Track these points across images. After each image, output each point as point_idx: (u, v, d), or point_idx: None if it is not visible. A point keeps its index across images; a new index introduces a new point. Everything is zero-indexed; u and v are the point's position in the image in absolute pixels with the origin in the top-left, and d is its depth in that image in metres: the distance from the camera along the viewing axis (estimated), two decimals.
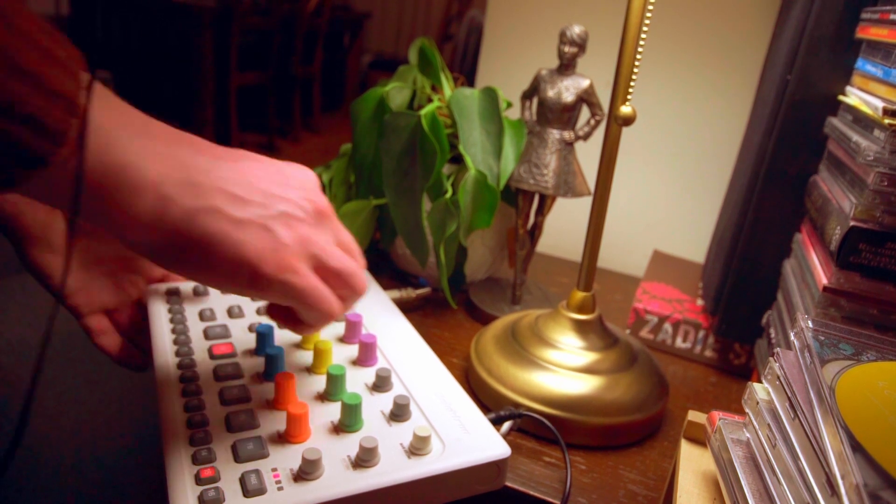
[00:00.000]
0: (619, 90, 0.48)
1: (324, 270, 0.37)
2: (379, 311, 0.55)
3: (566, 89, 0.60)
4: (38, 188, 0.29)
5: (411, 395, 0.44)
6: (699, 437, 0.42)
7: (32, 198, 0.30)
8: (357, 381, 0.46)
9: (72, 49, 0.28)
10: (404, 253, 0.70)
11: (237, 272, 0.33)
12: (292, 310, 0.38)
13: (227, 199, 0.32)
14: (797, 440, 0.31)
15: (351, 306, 0.40)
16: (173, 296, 0.55)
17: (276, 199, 0.35)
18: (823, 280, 0.45)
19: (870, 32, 0.48)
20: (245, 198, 0.33)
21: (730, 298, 0.61)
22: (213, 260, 0.32)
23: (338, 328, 0.52)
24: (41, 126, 0.26)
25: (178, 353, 0.47)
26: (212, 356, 0.47)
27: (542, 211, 0.65)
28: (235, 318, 0.52)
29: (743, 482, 0.33)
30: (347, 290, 0.38)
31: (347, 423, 0.40)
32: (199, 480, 0.35)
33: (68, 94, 0.27)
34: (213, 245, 0.32)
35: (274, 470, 0.36)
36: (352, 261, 0.38)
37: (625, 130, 0.50)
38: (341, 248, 0.39)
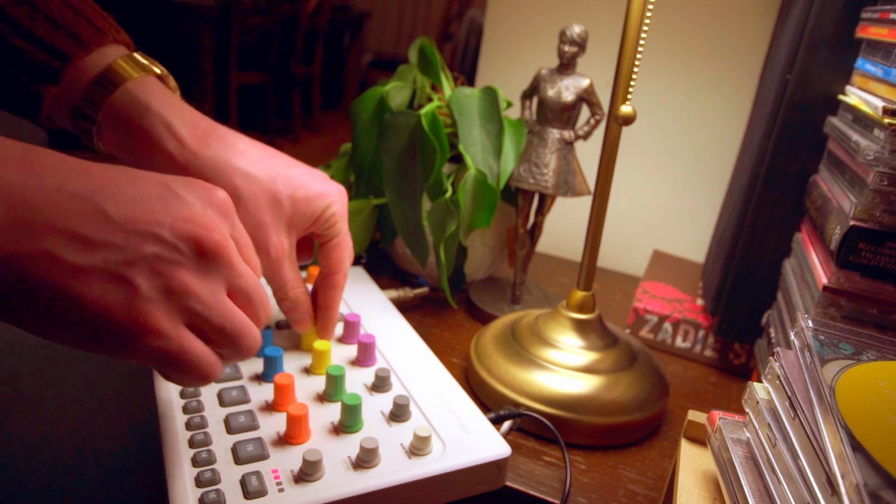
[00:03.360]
0: (619, 90, 0.48)
1: (204, 326, 0.31)
2: (377, 311, 0.55)
3: (566, 89, 0.60)
4: None
5: (411, 396, 0.44)
6: (699, 437, 0.42)
7: None
8: (356, 381, 0.46)
9: None
10: (404, 252, 0.70)
11: (76, 334, 0.27)
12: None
13: (66, 242, 0.26)
14: (797, 440, 0.31)
15: (233, 363, 0.36)
16: None
17: (144, 236, 0.28)
18: (823, 280, 0.45)
19: (870, 32, 0.48)
20: (93, 238, 0.27)
21: (730, 298, 0.61)
22: (45, 317, 0.27)
23: (336, 329, 0.52)
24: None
25: None
26: None
27: (542, 210, 0.65)
28: None
29: (743, 482, 0.33)
30: (231, 351, 0.33)
31: (347, 423, 0.40)
32: (199, 482, 0.35)
33: None
34: (41, 299, 0.26)
35: (274, 471, 0.36)
36: (242, 317, 0.33)
37: (625, 130, 0.50)
38: (238, 296, 0.33)
